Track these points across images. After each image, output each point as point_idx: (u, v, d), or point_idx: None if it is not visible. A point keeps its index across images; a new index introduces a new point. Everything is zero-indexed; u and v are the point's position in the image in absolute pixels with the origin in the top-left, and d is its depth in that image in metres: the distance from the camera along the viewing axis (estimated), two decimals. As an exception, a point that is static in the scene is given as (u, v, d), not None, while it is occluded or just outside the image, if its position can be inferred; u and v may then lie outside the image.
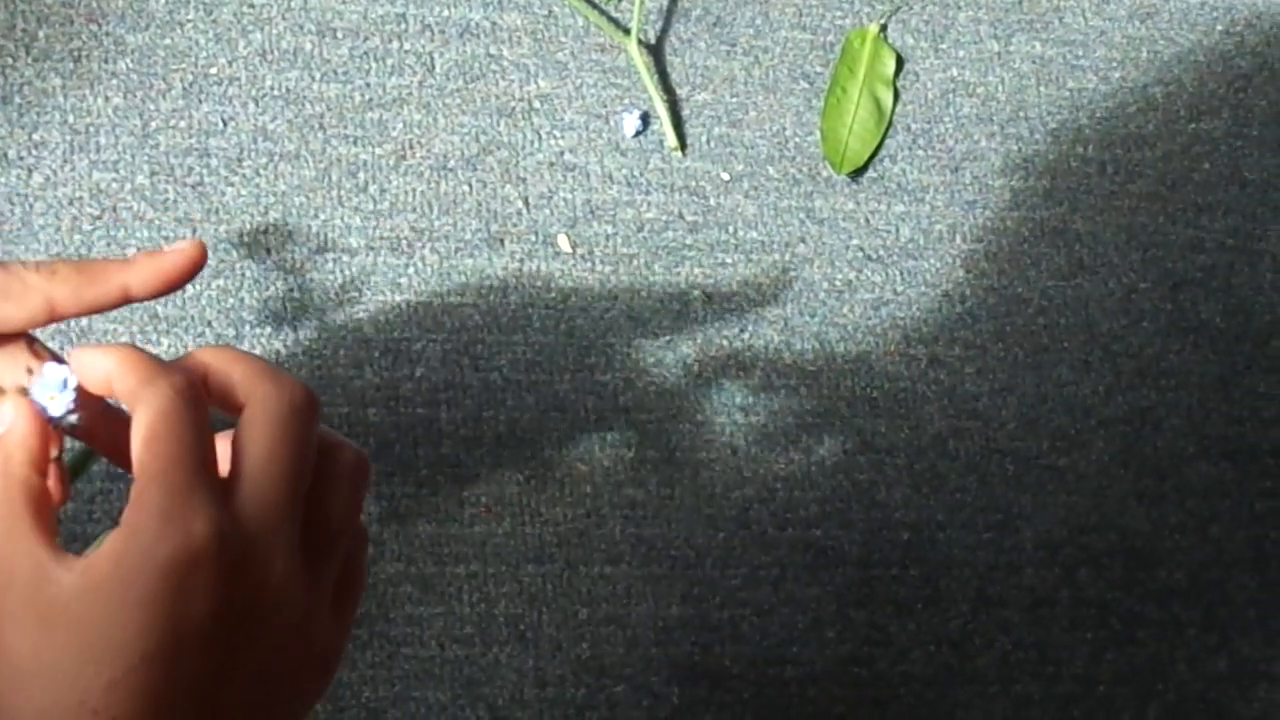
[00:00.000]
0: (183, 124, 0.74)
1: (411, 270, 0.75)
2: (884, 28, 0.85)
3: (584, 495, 0.74)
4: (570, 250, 0.77)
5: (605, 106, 0.80)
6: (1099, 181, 0.86)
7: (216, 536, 0.38)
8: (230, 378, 0.42)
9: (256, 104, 0.75)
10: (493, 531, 0.73)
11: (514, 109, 0.79)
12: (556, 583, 0.73)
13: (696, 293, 0.78)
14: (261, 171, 0.74)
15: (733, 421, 0.77)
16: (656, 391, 0.76)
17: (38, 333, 0.46)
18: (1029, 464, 0.81)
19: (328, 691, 0.53)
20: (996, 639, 0.78)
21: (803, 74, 0.83)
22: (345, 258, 0.74)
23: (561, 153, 0.79)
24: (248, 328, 0.72)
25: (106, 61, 0.74)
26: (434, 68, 0.78)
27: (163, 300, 0.71)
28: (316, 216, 0.74)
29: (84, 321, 0.70)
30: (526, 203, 0.77)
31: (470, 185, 0.77)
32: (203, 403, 0.41)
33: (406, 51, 0.78)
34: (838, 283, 0.80)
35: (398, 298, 0.74)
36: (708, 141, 0.81)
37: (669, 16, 0.83)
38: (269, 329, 0.72)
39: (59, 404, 0.41)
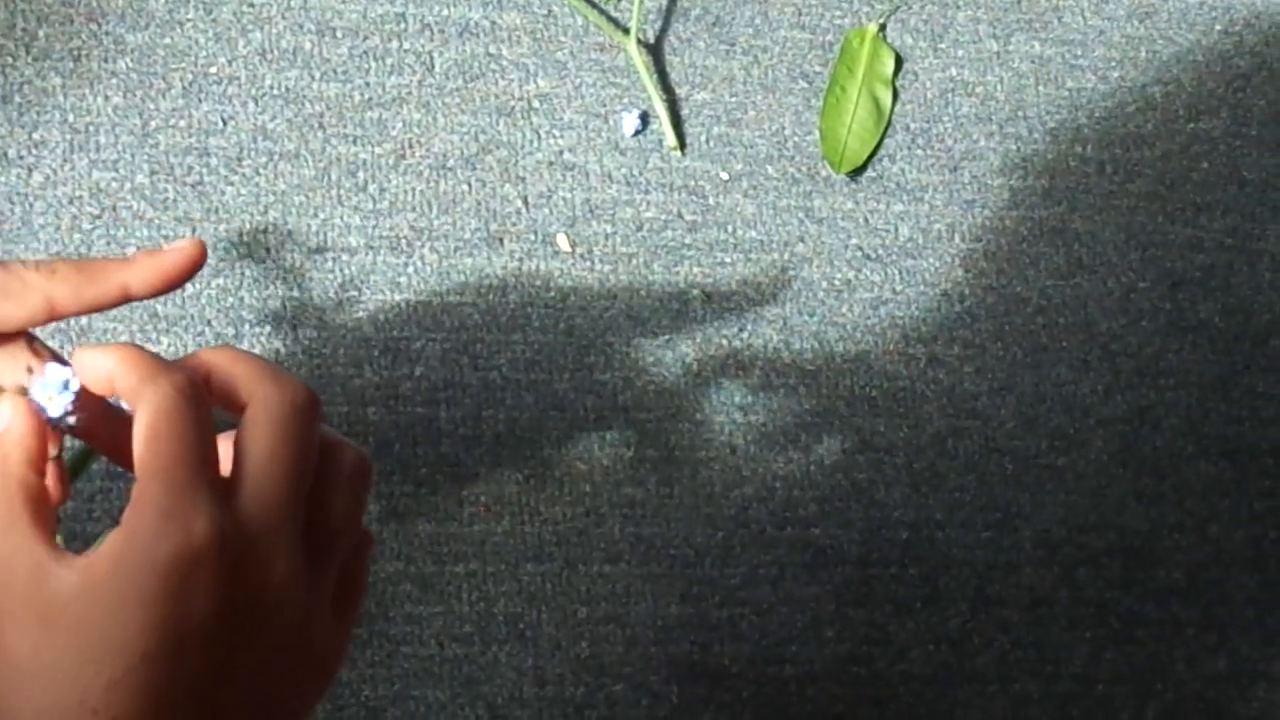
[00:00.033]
0: (182, 123, 0.74)
1: (411, 269, 0.75)
2: (883, 27, 0.85)
3: (583, 494, 0.74)
4: (569, 249, 0.77)
5: (604, 106, 0.80)
6: (1098, 181, 0.86)
7: (217, 536, 0.38)
8: (233, 377, 0.42)
9: (256, 103, 0.75)
10: (492, 530, 0.73)
11: (513, 108, 0.79)
12: (555, 581, 0.73)
13: (695, 292, 0.78)
14: (261, 171, 0.74)
15: (731, 420, 0.77)
16: (655, 391, 0.76)
17: (37, 331, 0.46)
18: (1028, 463, 0.81)
19: (328, 693, 0.53)
20: (995, 638, 0.78)
21: (802, 73, 0.84)
22: (345, 257, 0.74)
23: (561, 152, 0.79)
24: (247, 327, 0.72)
25: (106, 61, 0.74)
26: (433, 67, 0.78)
27: (162, 299, 0.71)
28: (316, 216, 0.74)
29: (83, 321, 0.70)
30: (526, 202, 0.77)
31: (469, 184, 0.77)
32: (205, 402, 0.41)
33: (406, 51, 0.78)
34: (837, 282, 0.80)
35: (397, 297, 0.74)
36: (707, 141, 0.81)
37: (668, 16, 0.83)
38: (268, 328, 0.72)
39: (58, 404, 0.41)
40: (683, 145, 0.80)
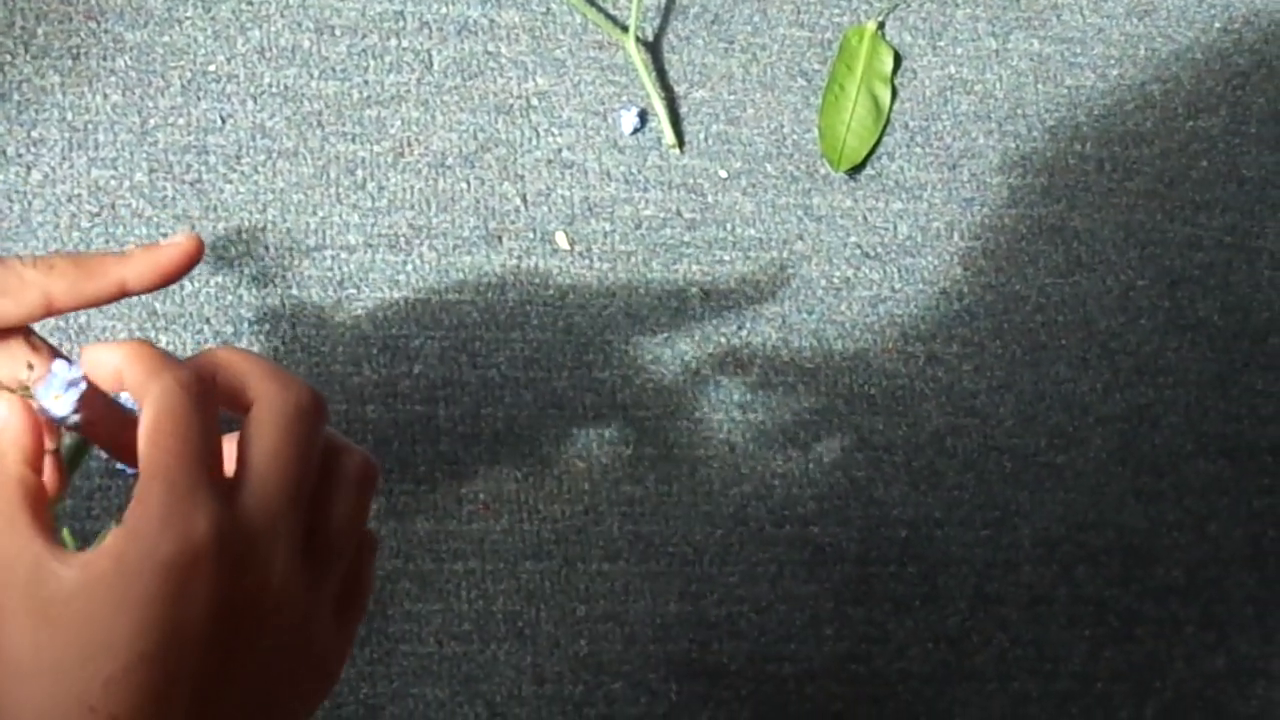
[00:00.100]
0: (181, 121, 0.74)
1: (409, 267, 0.75)
2: (882, 25, 0.85)
3: (582, 492, 0.74)
4: (568, 247, 0.77)
5: (603, 104, 0.80)
6: (1097, 179, 0.86)
7: (218, 535, 0.38)
8: (240, 377, 0.42)
9: (255, 101, 0.75)
10: (491, 528, 0.73)
11: (512, 106, 0.79)
12: (554, 580, 0.73)
13: (694, 290, 0.78)
14: (260, 169, 0.74)
15: (730, 419, 0.77)
16: (654, 388, 0.76)
17: (36, 328, 0.46)
18: (1027, 461, 0.81)
19: (331, 694, 0.53)
20: (994, 636, 0.78)
21: (800, 71, 0.83)
22: (343, 254, 0.74)
23: (559, 150, 0.79)
24: (245, 324, 0.72)
25: (105, 59, 0.74)
26: (432, 65, 0.78)
27: (161, 297, 0.71)
28: (314, 213, 0.74)
29: (82, 318, 0.70)
30: (524, 200, 0.77)
31: (468, 182, 0.77)
32: (211, 401, 0.41)
33: (404, 49, 0.78)
34: (835, 280, 0.80)
35: (395, 295, 0.74)
36: (705, 139, 0.81)
37: (667, 14, 0.83)
38: (267, 325, 0.72)
39: (64, 403, 0.41)
40: (681, 143, 0.80)
